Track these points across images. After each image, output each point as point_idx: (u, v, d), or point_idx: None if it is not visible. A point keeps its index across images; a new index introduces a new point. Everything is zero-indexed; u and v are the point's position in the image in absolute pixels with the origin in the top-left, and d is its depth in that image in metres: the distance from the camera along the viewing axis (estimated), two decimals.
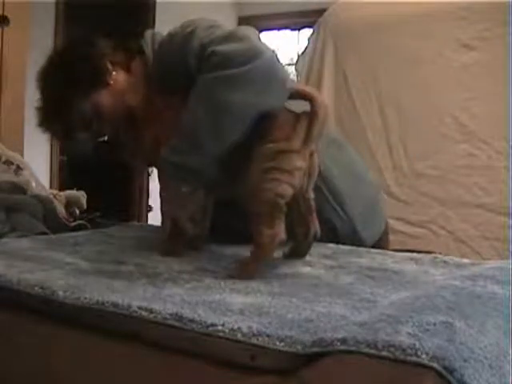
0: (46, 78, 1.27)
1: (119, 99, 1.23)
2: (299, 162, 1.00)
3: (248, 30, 1.09)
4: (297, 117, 1.03)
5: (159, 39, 1.24)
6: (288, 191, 0.98)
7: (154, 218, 3.58)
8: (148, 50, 1.24)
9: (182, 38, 1.13)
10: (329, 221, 1.27)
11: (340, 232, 1.30)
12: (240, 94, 1.01)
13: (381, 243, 1.39)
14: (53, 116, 1.26)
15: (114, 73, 1.25)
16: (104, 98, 1.23)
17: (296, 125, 1.01)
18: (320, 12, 3.01)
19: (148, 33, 1.28)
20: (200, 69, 1.06)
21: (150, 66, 1.23)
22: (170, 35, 1.19)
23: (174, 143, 1.06)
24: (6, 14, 3.04)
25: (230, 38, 1.06)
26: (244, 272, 0.94)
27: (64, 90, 1.22)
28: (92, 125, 1.26)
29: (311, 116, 1.01)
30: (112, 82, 1.24)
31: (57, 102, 1.24)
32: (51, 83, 1.26)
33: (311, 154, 1.03)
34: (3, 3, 3.02)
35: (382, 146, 2.70)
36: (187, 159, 1.05)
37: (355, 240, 1.30)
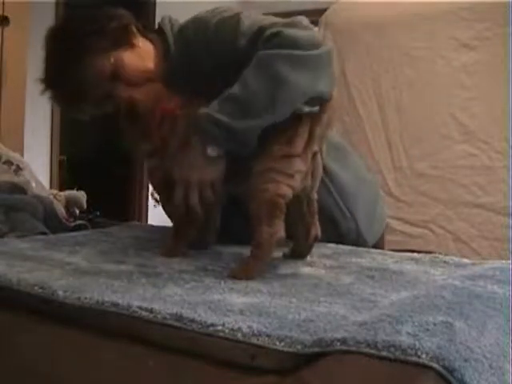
0: (69, 30, 1.20)
1: (142, 64, 1.19)
2: (301, 166, 1.00)
3: (307, 21, 1.10)
4: (300, 118, 1.03)
5: (178, 24, 1.23)
6: (288, 192, 0.99)
7: (155, 217, 3.58)
8: (167, 31, 1.22)
9: (223, 21, 1.13)
10: (335, 220, 1.28)
11: (345, 232, 1.30)
12: (302, 75, 1.01)
13: (380, 243, 1.39)
14: (68, 69, 1.17)
15: (139, 38, 1.22)
16: (128, 57, 1.19)
17: (298, 127, 1.01)
18: (320, 12, 3.00)
19: (165, 17, 1.28)
20: (257, 48, 1.05)
21: (171, 45, 1.20)
22: (199, 19, 1.18)
23: (223, 104, 1.02)
24: (6, 14, 3.04)
25: (295, 24, 1.07)
26: (244, 272, 0.94)
27: (88, 41, 1.16)
28: (107, 87, 1.18)
29: (314, 118, 1.01)
30: (136, 45, 1.21)
31: (77, 54, 1.16)
32: (75, 34, 1.18)
33: (314, 155, 1.03)
34: (3, 3, 3.02)
35: (382, 146, 2.70)
36: (237, 123, 1.01)
37: (359, 241, 1.31)
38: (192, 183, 1.05)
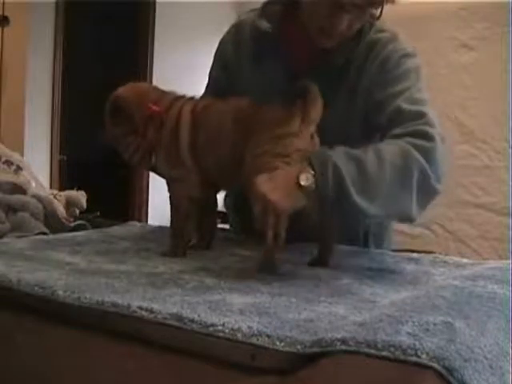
0: None
1: None
2: (299, 144, 0.96)
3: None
4: (291, 102, 0.99)
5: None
6: None
7: (155, 218, 3.58)
8: None
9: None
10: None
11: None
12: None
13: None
14: None
15: None
16: None
17: (292, 109, 0.98)
18: None
19: None
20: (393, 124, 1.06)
21: None
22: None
23: (352, 166, 0.94)
24: (6, 14, 3.04)
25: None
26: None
27: None
28: None
29: (308, 101, 0.98)
30: None
31: None
32: None
33: (312, 137, 1.00)
34: (3, 3, 3.02)
35: None
36: (353, 195, 0.93)
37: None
38: (285, 212, 0.93)
